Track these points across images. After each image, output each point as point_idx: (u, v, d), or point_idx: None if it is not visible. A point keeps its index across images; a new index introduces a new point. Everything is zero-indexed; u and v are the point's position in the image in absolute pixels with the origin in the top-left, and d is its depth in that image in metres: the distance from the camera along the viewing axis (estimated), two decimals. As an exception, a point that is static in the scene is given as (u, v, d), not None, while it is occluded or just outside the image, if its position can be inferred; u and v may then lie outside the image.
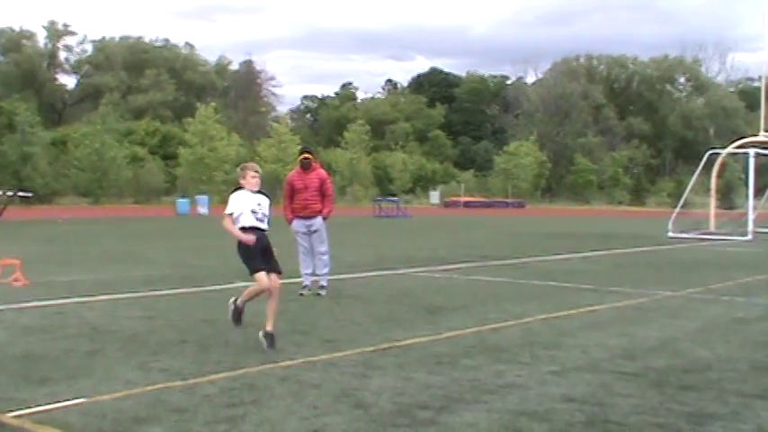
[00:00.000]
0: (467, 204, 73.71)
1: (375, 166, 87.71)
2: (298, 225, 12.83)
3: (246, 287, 8.83)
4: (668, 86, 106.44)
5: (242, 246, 8.40)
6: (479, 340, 8.99)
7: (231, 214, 8.41)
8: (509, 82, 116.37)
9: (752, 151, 32.03)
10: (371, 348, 8.46)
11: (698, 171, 34.92)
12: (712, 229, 32.70)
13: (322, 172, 13.19)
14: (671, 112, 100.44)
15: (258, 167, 8.85)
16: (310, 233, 12.82)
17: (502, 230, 35.69)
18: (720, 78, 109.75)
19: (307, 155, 13.08)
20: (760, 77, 40.29)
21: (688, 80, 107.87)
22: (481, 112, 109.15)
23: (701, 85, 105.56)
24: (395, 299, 12.46)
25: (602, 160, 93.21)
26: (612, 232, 34.49)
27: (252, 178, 8.58)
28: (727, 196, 63.98)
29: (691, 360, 8.14)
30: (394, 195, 69.09)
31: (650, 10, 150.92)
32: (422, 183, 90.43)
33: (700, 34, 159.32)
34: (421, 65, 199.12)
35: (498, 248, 23.71)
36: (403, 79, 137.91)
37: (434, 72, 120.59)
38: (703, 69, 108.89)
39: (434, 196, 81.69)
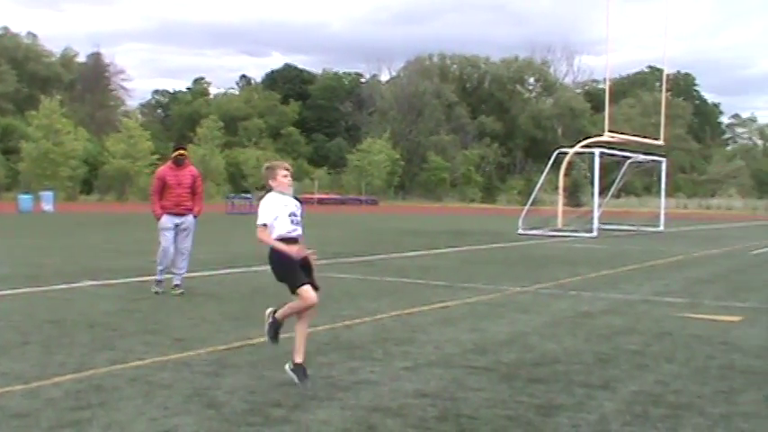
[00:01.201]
0: (320, 201, 73.73)
1: (228, 163, 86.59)
2: (167, 221, 12.49)
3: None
4: (518, 87, 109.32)
5: (280, 258, 7.05)
6: (333, 337, 8.96)
7: (265, 225, 7.06)
8: (363, 80, 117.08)
9: (597, 151, 33.22)
10: (224, 347, 8.32)
11: (546, 170, 35.95)
12: (560, 226, 33.71)
13: (194, 169, 12.99)
14: (521, 111, 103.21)
15: (288, 165, 7.56)
16: (179, 230, 12.53)
17: (355, 228, 35.84)
18: (568, 80, 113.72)
19: (181, 151, 12.84)
20: (605, 80, 41.72)
21: (537, 81, 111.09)
22: (335, 109, 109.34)
23: (549, 86, 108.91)
24: (248, 297, 12.31)
25: (454, 158, 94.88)
26: (465, 229, 35.14)
27: (284, 177, 7.26)
28: (574, 194, 66.25)
29: (539, 353, 8.34)
30: (247, 192, 68.41)
31: (503, 12, 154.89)
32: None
33: (549, 37, 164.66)
34: (276, 61, 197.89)
35: (352, 245, 23.78)
36: (257, 75, 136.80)
37: (289, 68, 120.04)
38: (552, 71, 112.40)
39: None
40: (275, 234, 7.06)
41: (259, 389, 6.63)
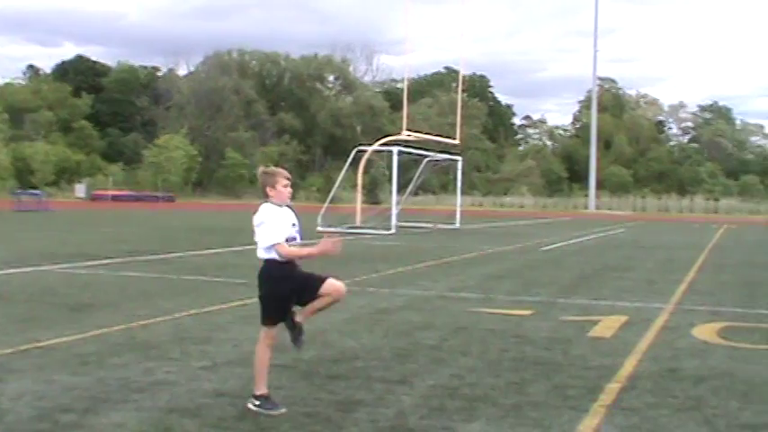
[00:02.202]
0: (115, 198, 71.38)
1: (14, 157, 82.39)
2: None
3: None
4: (318, 84, 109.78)
5: (273, 286, 6.40)
6: (128, 338, 8.68)
7: (279, 243, 6.29)
8: (160, 73, 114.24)
9: (395, 149, 33.80)
10: (9, 350, 7.88)
11: (346, 167, 36.26)
12: (359, 223, 34.04)
13: None
14: (321, 109, 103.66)
15: (288, 173, 6.68)
16: None
17: (152, 225, 34.96)
18: (367, 79, 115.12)
19: None
20: (403, 79, 42.58)
21: (337, 79, 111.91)
22: (131, 103, 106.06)
23: (349, 85, 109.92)
24: (36, 297, 11.74)
25: (253, 155, 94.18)
26: (264, 226, 34.89)
27: (284, 188, 6.49)
28: (373, 192, 67.17)
29: (339, 350, 8.37)
30: (35, 188, 65.39)
31: (305, 9, 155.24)
32: (66, 175, 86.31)
33: (350, 36, 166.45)
34: (68, 51, 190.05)
35: (148, 243, 23.17)
36: (47, 66, 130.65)
37: (81, 60, 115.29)
38: (352, 69, 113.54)
39: (80, 189, 78.09)
40: (268, 255, 6.37)
41: (48, 394, 6.33)
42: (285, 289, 6.34)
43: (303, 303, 6.40)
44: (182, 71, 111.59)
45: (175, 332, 9.10)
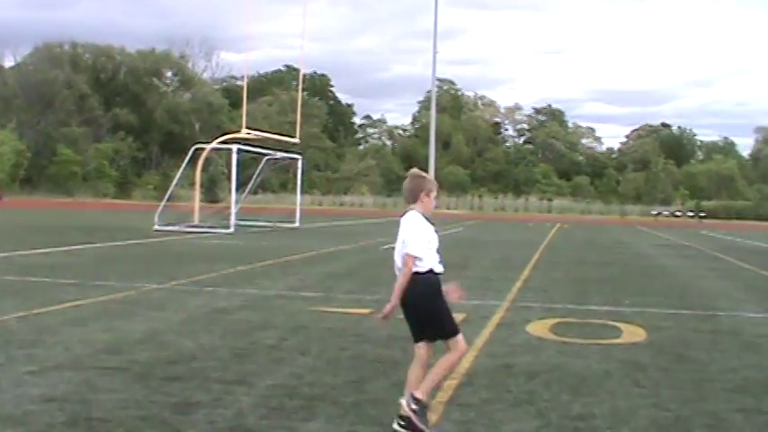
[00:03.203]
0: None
1: None
2: None
3: None
4: (155, 80, 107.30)
5: (435, 294, 5.76)
6: (-51, 342, 8.21)
7: (420, 258, 5.72)
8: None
9: (235, 147, 33.42)
10: None
11: (184, 165, 35.61)
12: (197, 221, 33.50)
13: None
14: (158, 105, 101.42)
15: None
16: None
17: (-22, 223, 33.35)
18: (206, 75, 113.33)
19: None
20: (243, 77, 42.18)
21: (175, 75, 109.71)
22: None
23: (187, 81, 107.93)
24: None
25: (86, 151, 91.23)
26: (98, 225, 33.91)
27: (435, 198, 5.98)
28: (212, 190, 66.29)
29: (176, 351, 8.18)
30: None
31: (142, 3, 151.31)
32: None
33: (189, 31, 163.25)
34: None
35: (-27, 242, 22.07)
36: None
37: None
38: (190, 65, 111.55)
39: None
40: (425, 267, 5.74)
41: None
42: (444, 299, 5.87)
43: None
44: (8, 63, 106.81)
45: (0, 336, 8.68)
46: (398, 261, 5.82)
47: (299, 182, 41.29)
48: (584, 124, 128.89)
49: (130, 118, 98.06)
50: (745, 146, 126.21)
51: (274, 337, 9.11)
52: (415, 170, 6.13)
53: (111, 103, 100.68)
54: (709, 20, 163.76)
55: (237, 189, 34.77)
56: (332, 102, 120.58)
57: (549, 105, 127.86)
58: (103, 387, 6.64)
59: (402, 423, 5.65)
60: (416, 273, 5.70)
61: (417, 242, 5.71)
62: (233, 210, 32.58)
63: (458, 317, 10.80)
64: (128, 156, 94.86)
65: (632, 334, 10.11)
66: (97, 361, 7.60)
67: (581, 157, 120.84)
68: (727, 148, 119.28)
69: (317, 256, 21.31)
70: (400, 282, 5.71)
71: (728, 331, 10.66)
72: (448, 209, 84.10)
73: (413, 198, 5.88)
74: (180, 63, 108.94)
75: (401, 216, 5.90)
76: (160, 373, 7.23)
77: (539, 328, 10.26)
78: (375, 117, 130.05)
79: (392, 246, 5.96)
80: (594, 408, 6.54)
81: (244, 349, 8.40)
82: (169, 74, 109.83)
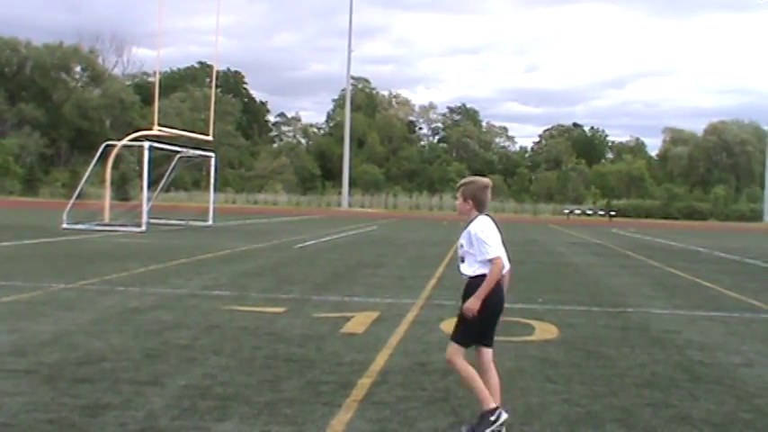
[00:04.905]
0: None
1: None
2: None
3: None
4: (64, 75, 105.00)
5: (489, 303, 5.82)
6: None
7: (499, 257, 5.79)
8: None
9: (147, 144, 32.91)
10: None
11: (94, 162, 34.94)
12: (107, 220, 32.93)
13: None
14: (66, 100, 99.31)
15: None
16: None
17: None
18: (117, 71, 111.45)
19: None
20: (155, 73, 41.59)
21: (84, 70, 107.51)
22: None
23: (97, 76, 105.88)
24: None
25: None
26: (3, 223, 33.04)
27: (457, 200, 6.06)
28: (123, 188, 65.23)
29: (85, 352, 8.01)
30: None
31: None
32: None
33: (99, 26, 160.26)
34: None
35: None
36: None
37: None
38: (101, 60, 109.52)
39: None
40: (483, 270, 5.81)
41: None
42: (501, 305, 5.98)
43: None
44: None
45: None
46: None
47: (212, 180, 40.91)
48: (497, 124, 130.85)
49: (37, 113, 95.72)
50: (654, 146, 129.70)
51: (187, 337, 8.99)
52: (489, 180, 6.17)
53: (17, 98, 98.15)
54: (621, 22, 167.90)
55: (149, 187, 34.24)
56: (246, 99, 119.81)
57: (464, 105, 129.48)
58: (8, 390, 6.46)
59: None
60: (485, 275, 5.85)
61: (492, 244, 5.85)
62: (144, 208, 32.09)
63: (372, 315, 10.86)
64: (35, 152, 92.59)
65: (545, 331, 10.26)
66: (2, 363, 7.40)
67: (494, 156, 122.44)
68: (637, 148, 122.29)
69: (231, 254, 21.12)
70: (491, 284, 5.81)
71: (637, 327, 10.90)
72: (363, 207, 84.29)
73: (476, 205, 6.02)
74: (89, 58, 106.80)
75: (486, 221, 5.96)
76: (69, 374, 7.07)
77: (453, 326, 10.31)
78: (290, 115, 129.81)
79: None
80: (507, 404, 6.60)
81: (156, 349, 8.27)
82: (78, 69, 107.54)
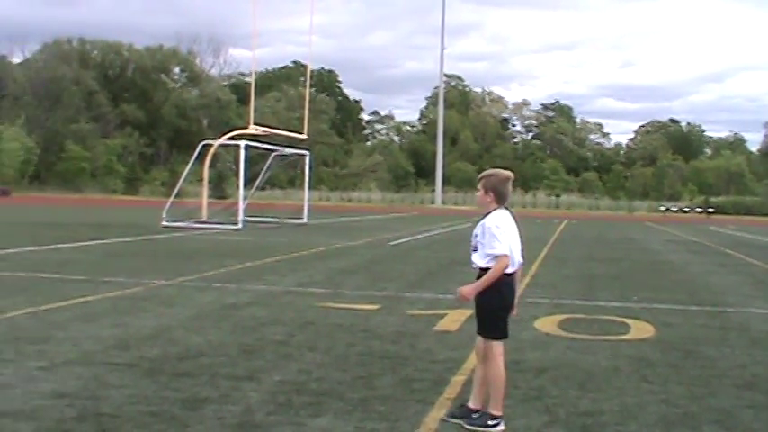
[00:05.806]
0: (-56, 192, 67.95)
1: None
2: None
3: None
4: (163, 76, 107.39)
5: (501, 297, 5.93)
6: (-41, 338, 8.24)
7: (506, 255, 5.84)
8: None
9: (242, 143, 33.41)
10: None
11: (192, 161, 35.60)
12: (205, 218, 33.52)
13: None
14: (165, 101, 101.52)
15: None
16: None
17: (-13, 219, 33.45)
18: (214, 71, 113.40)
19: None
20: (251, 73, 42.16)
21: (183, 71, 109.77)
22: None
23: (195, 77, 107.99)
24: None
25: (95, 148, 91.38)
26: (107, 221, 33.97)
27: (478, 192, 6.08)
28: (219, 186, 66.39)
29: (184, 347, 8.20)
30: None
31: (153, 0, 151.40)
32: None
33: (197, 28, 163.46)
34: None
35: (-17, 238, 22.14)
36: None
37: None
38: (198, 62, 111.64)
39: None
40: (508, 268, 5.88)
41: None
42: (512, 299, 6.05)
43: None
44: (16, 59, 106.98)
45: (10, 332, 8.70)
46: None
47: (306, 178, 41.24)
48: (591, 120, 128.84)
49: (138, 114, 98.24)
50: (755, 141, 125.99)
51: (283, 333, 9.13)
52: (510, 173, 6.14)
53: (119, 100, 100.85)
54: (721, 16, 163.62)
55: (245, 185, 34.72)
56: (340, 98, 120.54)
57: (558, 101, 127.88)
58: (113, 383, 6.65)
59: None
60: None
61: (500, 240, 5.89)
62: (241, 206, 32.57)
63: (466, 312, 10.84)
64: (135, 152, 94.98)
65: (641, 330, 10.10)
66: (107, 357, 7.62)
67: (589, 153, 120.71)
68: (736, 144, 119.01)
69: (325, 251, 21.32)
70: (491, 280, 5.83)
71: (737, 327, 10.65)
72: (456, 205, 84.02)
73: (497, 198, 6.04)
74: (188, 59, 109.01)
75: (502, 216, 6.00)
76: (169, 368, 7.25)
77: (547, 324, 10.25)
78: (383, 113, 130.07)
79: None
80: (603, 404, 6.54)
81: (252, 345, 8.41)
82: (177, 70, 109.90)
